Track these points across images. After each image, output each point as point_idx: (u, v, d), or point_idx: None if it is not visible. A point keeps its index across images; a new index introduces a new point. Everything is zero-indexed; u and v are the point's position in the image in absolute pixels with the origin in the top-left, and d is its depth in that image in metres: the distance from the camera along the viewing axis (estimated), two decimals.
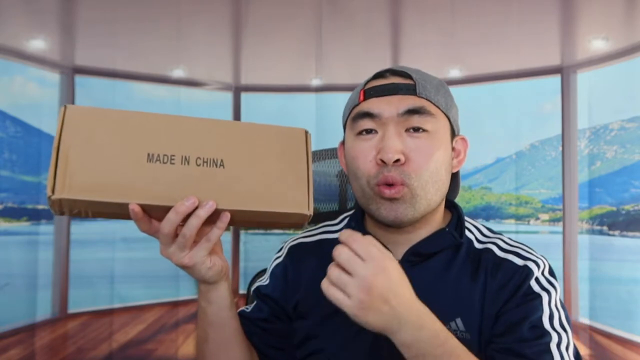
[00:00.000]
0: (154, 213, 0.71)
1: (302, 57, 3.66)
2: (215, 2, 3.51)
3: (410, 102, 0.82)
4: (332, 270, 0.68)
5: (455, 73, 3.57)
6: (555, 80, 3.47)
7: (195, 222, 0.70)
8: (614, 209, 3.46)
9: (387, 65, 0.91)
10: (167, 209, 0.69)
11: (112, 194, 0.68)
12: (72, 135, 0.70)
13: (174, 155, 0.71)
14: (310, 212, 0.75)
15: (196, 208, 0.70)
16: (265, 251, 3.58)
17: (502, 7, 3.35)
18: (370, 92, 0.85)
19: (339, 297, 0.67)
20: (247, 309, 0.96)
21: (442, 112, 0.85)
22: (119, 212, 0.70)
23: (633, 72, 3.17)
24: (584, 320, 3.19)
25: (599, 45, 3.28)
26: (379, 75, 0.87)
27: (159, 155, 0.71)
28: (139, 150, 0.70)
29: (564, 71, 3.43)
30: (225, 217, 0.72)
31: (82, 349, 3.16)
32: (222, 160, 0.73)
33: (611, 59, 3.26)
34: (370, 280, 0.67)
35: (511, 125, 3.57)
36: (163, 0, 3.43)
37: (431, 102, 0.83)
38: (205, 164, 0.72)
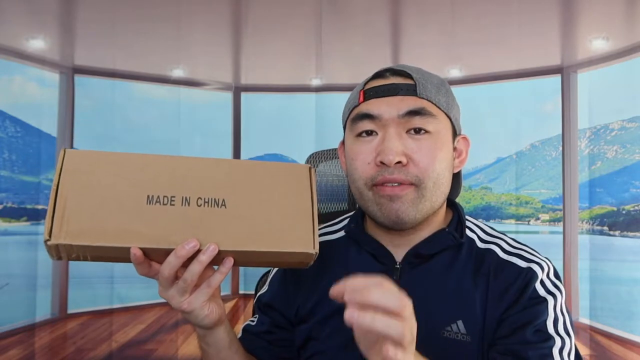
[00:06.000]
0: (154, 256, 0.70)
1: (302, 57, 3.66)
2: (215, 2, 3.50)
3: (410, 103, 0.80)
4: (382, 320, 0.58)
5: (455, 73, 3.57)
6: (555, 80, 3.47)
7: (197, 268, 0.68)
8: (615, 209, 3.46)
9: (387, 65, 0.89)
10: (167, 252, 0.68)
11: (110, 238, 0.67)
12: (71, 179, 0.69)
13: (174, 197, 0.70)
14: (315, 250, 0.73)
15: (198, 251, 0.68)
16: None
17: (502, 7, 3.34)
18: (369, 93, 0.83)
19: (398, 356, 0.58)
20: (253, 322, 0.96)
21: (443, 112, 0.83)
22: (118, 255, 0.69)
23: (633, 72, 3.17)
24: (584, 320, 3.19)
25: (599, 45, 3.28)
26: (378, 75, 0.85)
27: (158, 197, 0.69)
28: (138, 192, 0.69)
29: (564, 71, 3.43)
30: (229, 262, 0.70)
31: (82, 349, 3.15)
32: (223, 200, 0.71)
33: (611, 59, 3.25)
34: (413, 322, 0.61)
35: (511, 125, 3.56)
36: (163, 0, 3.43)
37: (432, 102, 0.82)
38: (206, 204, 0.70)
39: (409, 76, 0.83)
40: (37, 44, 3.31)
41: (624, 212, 3.44)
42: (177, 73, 3.68)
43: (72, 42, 3.53)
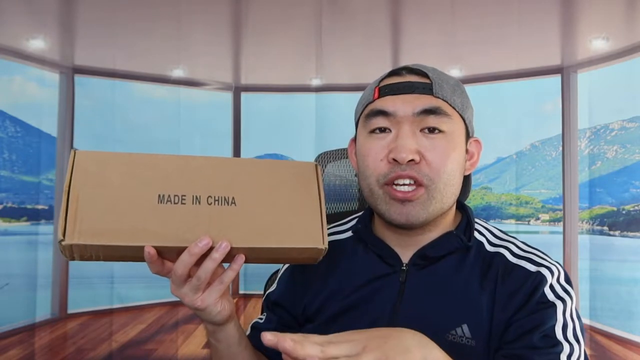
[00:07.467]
0: (166, 254, 0.71)
1: (302, 57, 3.65)
2: (215, 2, 3.50)
3: (426, 101, 0.80)
4: None
5: (455, 73, 3.57)
6: (555, 80, 3.46)
7: (210, 265, 0.69)
8: (615, 209, 3.46)
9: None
10: (180, 250, 0.69)
11: (124, 238, 0.68)
12: (82, 180, 0.70)
13: (184, 196, 0.71)
14: (325, 245, 0.74)
15: (211, 249, 0.69)
16: None
17: (502, 7, 3.34)
18: (385, 90, 0.82)
19: None
20: (261, 319, 0.96)
21: (458, 113, 0.83)
22: (131, 255, 0.70)
23: (633, 72, 3.17)
24: (584, 320, 3.19)
25: (599, 45, 3.28)
26: (394, 72, 0.85)
27: (169, 196, 0.71)
28: (150, 192, 0.71)
29: (564, 71, 3.43)
30: (240, 259, 0.71)
31: (82, 349, 3.15)
32: (233, 198, 0.73)
33: (611, 59, 3.25)
34: (377, 342, 0.61)
35: (511, 125, 3.56)
36: (163, 0, 3.43)
37: (447, 102, 0.81)
38: (216, 202, 0.72)
39: (425, 75, 0.83)
40: (37, 44, 3.31)
41: (624, 212, 3.44)
42: (177, 73, 3.68)
43: (72, 42, 3.53)
